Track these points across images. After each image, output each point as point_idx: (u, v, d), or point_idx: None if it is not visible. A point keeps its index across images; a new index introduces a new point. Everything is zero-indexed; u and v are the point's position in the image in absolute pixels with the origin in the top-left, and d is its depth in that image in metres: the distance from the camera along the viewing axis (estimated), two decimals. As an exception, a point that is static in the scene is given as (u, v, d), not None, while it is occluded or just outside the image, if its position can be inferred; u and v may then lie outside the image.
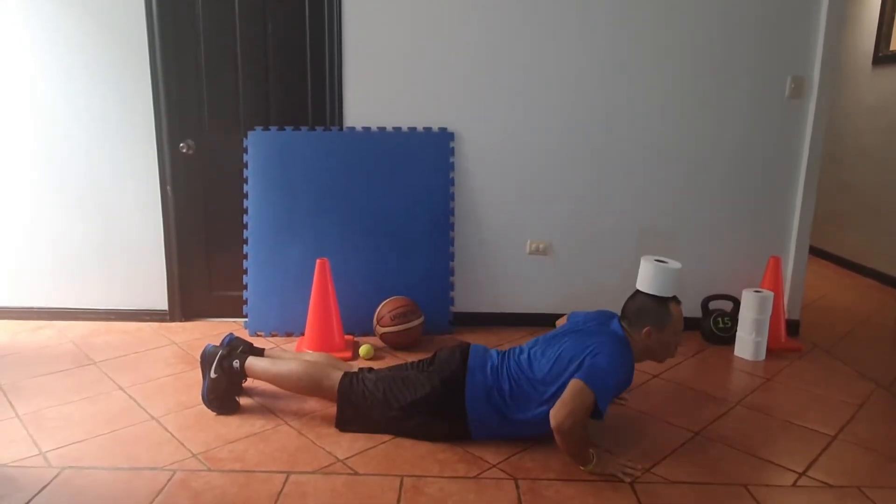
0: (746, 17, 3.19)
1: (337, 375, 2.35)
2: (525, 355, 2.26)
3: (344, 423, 2.34)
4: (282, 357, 2.57)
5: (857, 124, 4.93)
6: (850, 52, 5.00)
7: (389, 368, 2.43)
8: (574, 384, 2.04)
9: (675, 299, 2.24)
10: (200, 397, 2.46)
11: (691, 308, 3.39)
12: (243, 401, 2.53)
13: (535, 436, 2.23)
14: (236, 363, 2.43)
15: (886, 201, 4.58)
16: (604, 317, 2.32)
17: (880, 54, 4.66)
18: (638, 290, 2.28)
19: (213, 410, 2.43)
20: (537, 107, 3.29)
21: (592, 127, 3.31)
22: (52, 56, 3.22)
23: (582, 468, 2.09)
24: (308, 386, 2.39)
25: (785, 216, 3.39)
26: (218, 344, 2.53)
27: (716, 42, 3.22)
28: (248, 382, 2.58)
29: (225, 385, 2.44)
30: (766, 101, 3.28)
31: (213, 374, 2.42)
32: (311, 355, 2.62)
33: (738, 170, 3.35)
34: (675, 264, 2.25)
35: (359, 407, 2.31)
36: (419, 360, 2.41)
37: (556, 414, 2.01)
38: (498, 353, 2.32)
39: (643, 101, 3.28)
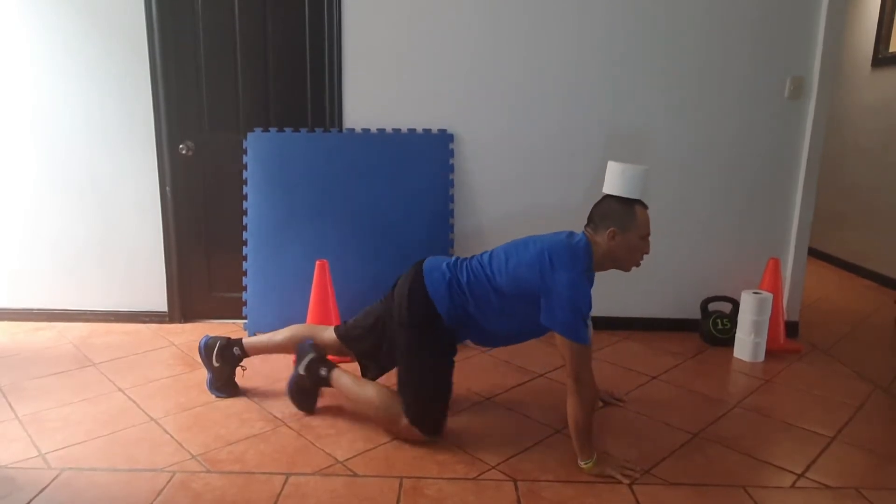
0: (745, 17, 3.19)
1: (330, 331, 2.53)
2: (488, 254, 2.32)
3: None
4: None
5: (857, 125, 4.93)
6: (849, 53, 5.01)
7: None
8: (563, 346, 2.07)
9: (640, 202, 2.23)
10: (206, 387, 2.60)
11: (690, 309, 3.40)
12: (242, 401, 2.54)
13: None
14: (237, 349, 2.56)
15: (886, 202, 4.58)
16: (568, 232, 2.29)
17: (880, 56, 4.67)
18: (605, 195, 2.27)
19: (220, 397, 2.57)
20: (536, 108, 3.29)
21: (591, 128, 3.31)
22: (51, 57, 3.22)
23: (581, 464, 2.09)
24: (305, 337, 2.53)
25: (784, 217, 3.39)
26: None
27: (715, 43, 3.22)
28: (244, 382, 2.62)
29: (228, 373, 2.58)
30: (766, 101, 3.28)
31: (215, 364, 2.54)
32: (292, 329, 2.64)
33: (738, 171, 3.35)
34: (641, 165, 2.25)
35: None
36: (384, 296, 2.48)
37: (569, 384, 2.08)
38: (460, 257, 2.39)
39: (642, 101, 3.28)
